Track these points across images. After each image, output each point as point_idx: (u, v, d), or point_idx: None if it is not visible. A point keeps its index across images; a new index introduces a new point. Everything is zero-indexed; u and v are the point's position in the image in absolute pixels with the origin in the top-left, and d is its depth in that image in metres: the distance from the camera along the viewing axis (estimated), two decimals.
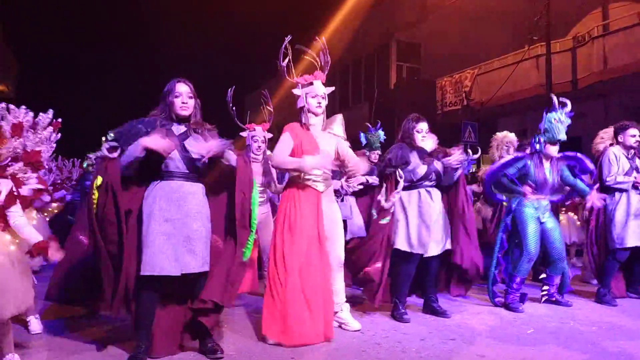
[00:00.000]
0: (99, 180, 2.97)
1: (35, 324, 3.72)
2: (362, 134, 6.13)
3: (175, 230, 3.04)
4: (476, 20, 14.48)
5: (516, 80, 13.05)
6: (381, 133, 6.06)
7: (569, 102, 4.54)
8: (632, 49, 10.79)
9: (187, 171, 3.15)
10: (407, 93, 15.81)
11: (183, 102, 3.18)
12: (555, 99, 4.54)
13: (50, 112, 3.57)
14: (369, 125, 6.15)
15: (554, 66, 11.83)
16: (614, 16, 12.18)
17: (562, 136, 4.51)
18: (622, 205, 4.92)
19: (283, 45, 3.80)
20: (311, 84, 3.88)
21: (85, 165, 8.35)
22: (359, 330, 3.85)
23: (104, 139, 14.12)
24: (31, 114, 3.36)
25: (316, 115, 3.86)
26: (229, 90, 4.95)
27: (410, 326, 4.02)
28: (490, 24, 14.35)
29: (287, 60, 3.83)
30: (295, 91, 3.88)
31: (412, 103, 15.50)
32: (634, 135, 4.99)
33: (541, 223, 4.65)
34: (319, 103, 3.85)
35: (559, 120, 4.48)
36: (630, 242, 4.83)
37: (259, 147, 5.08)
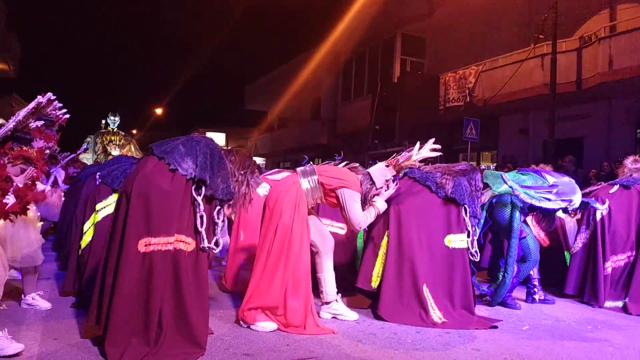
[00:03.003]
0: None
1: (41, 301, 3.81)
2: None
3: None
4: (482, 17, 14.38)
5: (520, 78, 12.96)
6: None
7: None
8: (638, 51, 10.71)
9: None
10: (410, 87, 15.73)
11: None
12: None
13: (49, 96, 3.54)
14: None
15: (559, 66, 11.75)
16: (621, 18, 12.06)
17: None
18: None
19: None
20: None
21: (85, 145, 8.50)
22: (354, 321, 3.85)
23: (103, 122, 14.27)
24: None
25: None
26: None
27: None
28: (496, 21, 14.26)
29: None
30: None
31: (414, 98, 15.47)
32: None
33: None
34: None
35: None
36: None
37: None
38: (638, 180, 5.10)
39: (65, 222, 5.72)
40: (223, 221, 3.14)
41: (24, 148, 3.32)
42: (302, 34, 21.38)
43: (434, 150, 3.99)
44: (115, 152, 19.31)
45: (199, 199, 2.99)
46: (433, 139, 4.05)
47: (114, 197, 4.04)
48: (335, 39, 20.01)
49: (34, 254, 3.67)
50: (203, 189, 3.02)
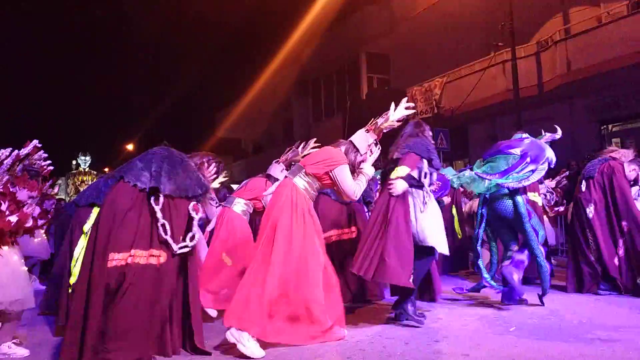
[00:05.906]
0: None
1: (17, 349, 3.62)
2: None
3: None
4: (442, 30, 14.75)
5: (484, 86, 13.29)
6: None
7: None
8: (593, 51, 11.09)
9: None
10: (379, 103, 15.86)
11: None
12: None
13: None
14: None
15: (520, 71, 12.09)
16: (574, 20, 12.52)
17: None
18: None
19: None
20: None
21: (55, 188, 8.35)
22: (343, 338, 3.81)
23: (74, 162, 13.93)
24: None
25: None
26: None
27: (394, 330, 4.01)
28: (456, 33, 14.63)
29: None
30: None
31: (384, 113, 15.68)
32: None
33: None
34: None
35: None
36: None
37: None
38: (595, 164, 5.27)
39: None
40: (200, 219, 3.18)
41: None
42: (268, 58, 21.51)
43: (408, 108, 4.13)
44: None
45: (157, 208, 3.00)
46: (406, 98, 4.19)
47: (94, 212, 3.97)
48: (301, 61, 20.23)
49: (25, 299, 3.51)
50: (161, 197, 3.04)
